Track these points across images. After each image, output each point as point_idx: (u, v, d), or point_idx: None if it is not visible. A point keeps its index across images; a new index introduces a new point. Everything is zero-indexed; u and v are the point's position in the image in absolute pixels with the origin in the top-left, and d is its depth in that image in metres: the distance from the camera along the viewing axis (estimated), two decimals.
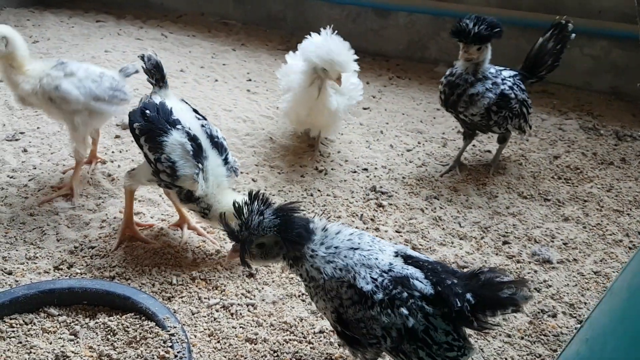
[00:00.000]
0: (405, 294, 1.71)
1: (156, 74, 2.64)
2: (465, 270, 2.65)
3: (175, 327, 2.09)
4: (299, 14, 5.84)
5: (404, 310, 1.69)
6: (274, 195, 3.19)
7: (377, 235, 2.87)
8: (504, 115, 3.28)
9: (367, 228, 2.94)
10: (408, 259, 1.82)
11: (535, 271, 2.68)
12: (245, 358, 2.12)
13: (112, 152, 3.45)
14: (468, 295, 1.70)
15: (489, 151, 3.80)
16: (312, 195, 3.22)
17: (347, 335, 1.83)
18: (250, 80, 4.68)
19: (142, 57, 2.64)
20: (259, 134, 3.84)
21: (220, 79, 4.65)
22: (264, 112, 4.14)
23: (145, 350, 2.04)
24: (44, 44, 5.21)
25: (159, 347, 2.03)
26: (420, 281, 1.73)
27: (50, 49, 5.07)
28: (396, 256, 1.83)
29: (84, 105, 2.88)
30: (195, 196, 2.47)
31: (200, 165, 2.45)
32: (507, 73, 3.36)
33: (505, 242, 2.88)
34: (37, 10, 6.27)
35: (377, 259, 1.79)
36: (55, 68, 2.90)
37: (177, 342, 2.03)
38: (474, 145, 3.87)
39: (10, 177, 3.18)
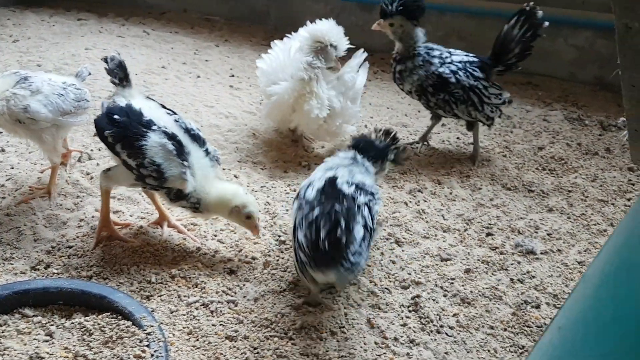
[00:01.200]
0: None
1: (119, 73, 2.58)
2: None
3: (152, 326, 2.05)
4: (283, 9, 5.79)
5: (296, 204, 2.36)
6: (256, 191, 3.15)
7: None
8: (443, 99, 3.33)
9: None
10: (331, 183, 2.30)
11: (519, 262, 2.66)
12: (225, 356, 2.09)
13: (91, 150, 3.39)
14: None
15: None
16: (295, 190, 3.18)
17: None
18: (233, 76, 4.64)
19: (105, 59, 2.59)
20: (242, 129, 3.80)
21: (202, 75, 4.61)
22: (247, 107, 4.10)
23: (122, 349, 2.01)
24: (24, 42, 5.14)
25: (135, 347, 2.00)
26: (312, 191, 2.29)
27: (31, 47, 4.99)
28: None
29: (52, 121, 2.78)
30: (185, 193, 2.45)
31: (185, 163, 2.43)
32: (458, 57, 3.38)
33: (488, 234, 2.86)
34: (17, 9, 6.18)
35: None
36: (20, 86, 2.73)
37: (154, 341, 2.00)
38: (458, 138, 3.86)
39: None
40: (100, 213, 2.70)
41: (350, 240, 2.11)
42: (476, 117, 3.41)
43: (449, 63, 3.34)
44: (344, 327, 2.28)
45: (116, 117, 2.43)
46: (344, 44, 3.34)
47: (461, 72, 3.31)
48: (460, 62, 3.36)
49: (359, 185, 2.32)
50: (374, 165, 2.56)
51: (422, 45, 3.37)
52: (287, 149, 3.61)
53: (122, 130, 2.41)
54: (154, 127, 2.43)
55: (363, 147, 2.60)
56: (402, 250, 2.74)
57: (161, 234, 2.73)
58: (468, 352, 2.17)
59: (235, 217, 2.53)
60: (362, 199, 2.27)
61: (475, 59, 3.40)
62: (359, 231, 2.15)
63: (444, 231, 2.90)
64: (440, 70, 3.30)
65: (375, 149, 2.61)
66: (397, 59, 3.41)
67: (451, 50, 3.45)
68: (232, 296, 2.40)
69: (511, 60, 3.36)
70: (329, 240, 2.07)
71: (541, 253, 2.73)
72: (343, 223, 2.10)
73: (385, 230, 2.88)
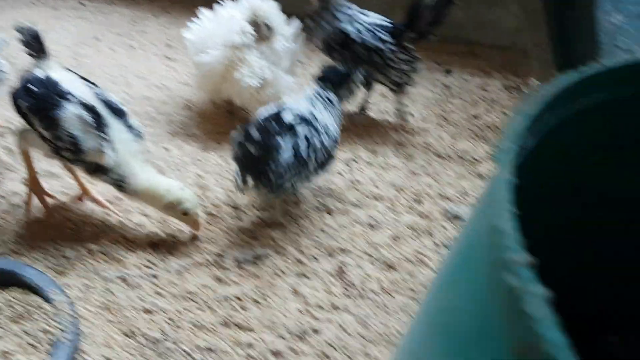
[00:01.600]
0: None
1: (35, 45, 2.47)
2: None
3: (62, 301, 1.99)
4: None
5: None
6: (188, 164, 3.09)
7: None
8: (347, 57, 3.31)
9: None
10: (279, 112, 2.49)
11: (445, 228, 2.69)
12: (140, 329, 2.05)
13: (14, 124, 3.25)
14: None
15: (413, 114, 3.77)
16: (227, 162, 3.12)
17: None
18: (170, 46, 4.50)
19: (19, 29, 2.47)
20: (175, 101, 3.70)
21: (137, 46, 4.46)
22: (182, 79, 3.99)
23: (30, 325, 1.95)
24: None
25: (43, 322, 1.94)
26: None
27: None
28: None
29: None
30: (106, 168, 2.37)
31: (103, 135, 2.35)
32: (370, 20, 3.35)
33: (418, 201, 2.88)
34: None
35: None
36: None
37: (64, 316, 1.94)
38: (397, 109, 3.84)
39: None
40: (28, 175, 2.60)
41: (271, 158, 2.31)
42: (380, 80, 3.42)
43: (359, 23, 3.31)
44: (268, 296, 2.27)
45: (32, 87, 2.34)
46: (280, 30, 3.28)
47: (368, 33, 3.29)
48: (370, 24, 3.33)
49: (304, 117, 2.46)
50: (340, 93, 2.68)
51: (340, 4, 3.33)
52: (222, 120, 3.53)
53: (37, 102, 2.32)
54: (71, 98, 2.34)
55: (325, 75, 2.67)
56: (333, 219, 2.74)
57: (82, 208, 2.65)
58: (388, 314, 2.19)
59: (172, 213, 2.48)
60: (301, 129, 2.42)
61: (389, 24, 3.36)
62: (284, 154, 2.34)
63: (376, 200, 2.90)
64: (347, 28, 3.28)
65: (339, 75, 2.71)
66: (312, 17, 3.38)
67: (367, 11, 3.41)
68: (153, 269, 2.35)
69: (423, 28, 3.29)
70: (242, 150, 2.34)
71: (468, 219, 2.76)
72: (259, 137, 2.29)
73: (318, 200, 2.86)
